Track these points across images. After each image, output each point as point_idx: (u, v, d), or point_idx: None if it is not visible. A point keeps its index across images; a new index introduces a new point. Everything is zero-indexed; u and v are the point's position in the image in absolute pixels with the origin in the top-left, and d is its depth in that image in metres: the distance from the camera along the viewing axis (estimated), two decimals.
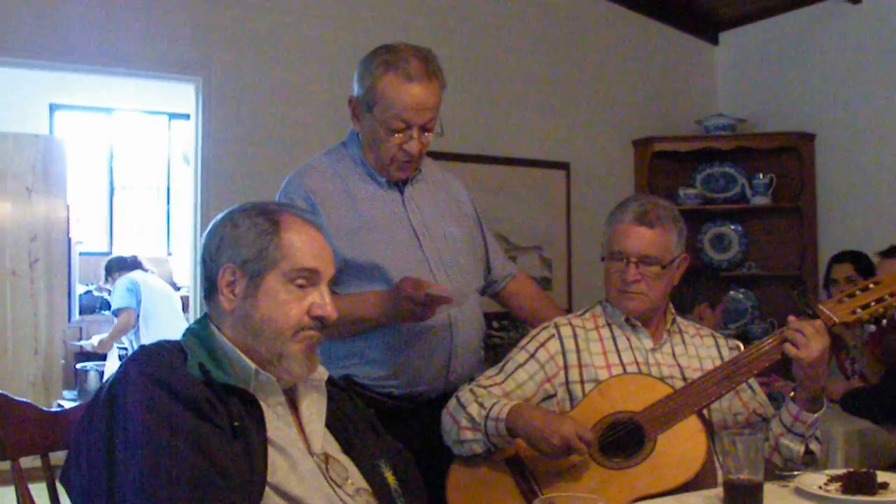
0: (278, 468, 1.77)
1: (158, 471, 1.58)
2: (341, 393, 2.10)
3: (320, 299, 1.90)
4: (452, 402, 2.52)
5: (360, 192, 2.70)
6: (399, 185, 2.76)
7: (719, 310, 4.37)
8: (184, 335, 1.91)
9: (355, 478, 1.91)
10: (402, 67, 2.57)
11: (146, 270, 7.32)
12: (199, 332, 1.89)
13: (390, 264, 2.62)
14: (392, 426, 2.22)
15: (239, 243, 1.87)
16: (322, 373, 1.97)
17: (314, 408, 1.94)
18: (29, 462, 1.91)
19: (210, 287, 1.90)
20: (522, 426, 2.32)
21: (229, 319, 1.87)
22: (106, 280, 7.43)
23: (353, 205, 2.68)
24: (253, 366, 1.82)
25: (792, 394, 2.38)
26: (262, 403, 1.80)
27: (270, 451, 1.76)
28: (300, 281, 1.87)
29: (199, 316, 1.98)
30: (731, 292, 6.24)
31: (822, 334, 2.26)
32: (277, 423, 1.84)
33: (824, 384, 2.34)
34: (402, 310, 2.46)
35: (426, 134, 2.65)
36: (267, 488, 1.72)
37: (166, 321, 6.97)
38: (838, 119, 5.87)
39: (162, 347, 1.84)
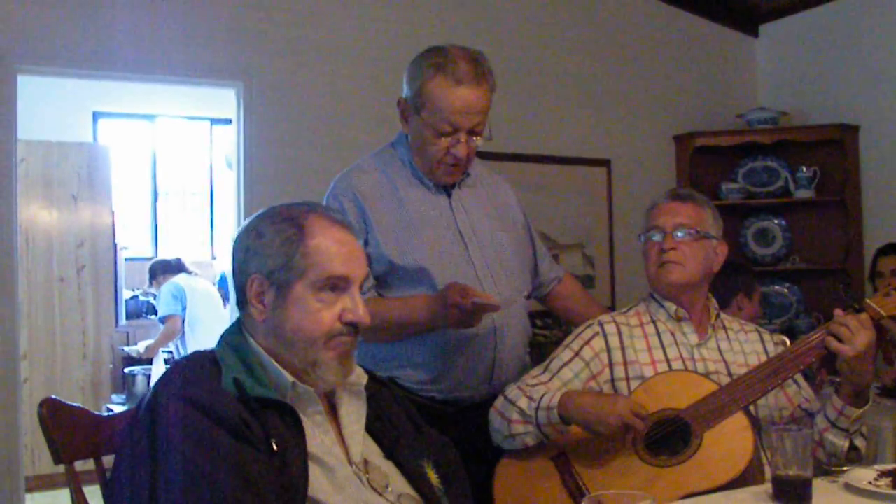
0: (316, 480, 1.74)
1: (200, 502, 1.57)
2: (382, 389, 2.06)
3: (352, 304, 1.84)
4: (500, 400, 2.52)
5: (408, 195, 2.69)
6: (447, 189, 2.74)
7: (756, 299, 4.33)
8: (219, 344, 1.88)
9: (396, 484, 1.89)
10: (450, 70, 2.53)
11: (190, 273, 7.36)
12: (233, 340, 1.86)
13: (436, 268, 2.61)
14: (435, 429, 2.19)
15: (264, 253, 1.82)
16: (360, 377, 1.94)
17: (353, 413, 1.92)
18: (79, 465, 1.94)
19: (240, 297, 1.87)
20: (575, 411, 2.33)
21: (261, 329, 1.84)
22: (150, 284, 7.49)
23: (400, 207, 2.66)
24: (290, 378, 1.79)
25: (835, 388, 2.37)
26: (300, 415, 1.77)
27: (309, 463, 1.73)
28: (330, 288, 1.83)
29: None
30: (776, 287, 6.19)
31: (868, 328, 2.25)
32: (316, 432, 1.82)
33: (870, 379, 2.32)
34: (449, 316, 2.44)
35: (474, 138, 2.61)
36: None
37: (211, 326, 6.95)
38: (882, 110, 5.79)
39: (196, 363, 1.81)
